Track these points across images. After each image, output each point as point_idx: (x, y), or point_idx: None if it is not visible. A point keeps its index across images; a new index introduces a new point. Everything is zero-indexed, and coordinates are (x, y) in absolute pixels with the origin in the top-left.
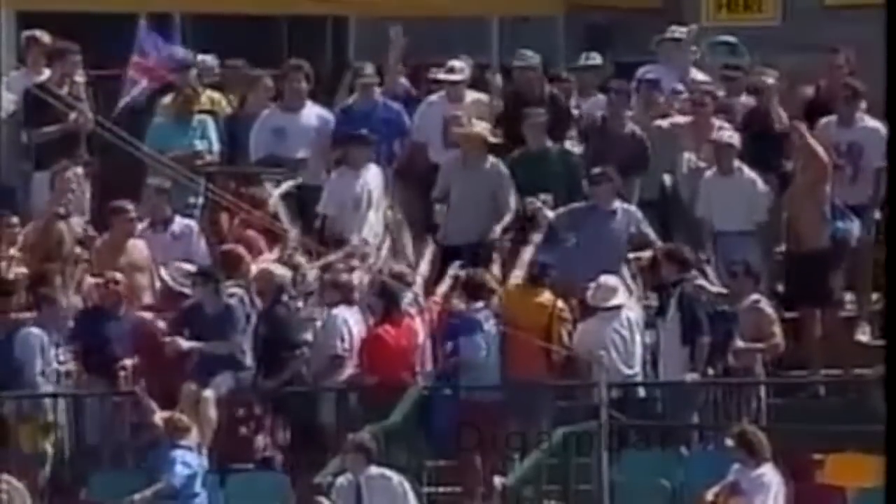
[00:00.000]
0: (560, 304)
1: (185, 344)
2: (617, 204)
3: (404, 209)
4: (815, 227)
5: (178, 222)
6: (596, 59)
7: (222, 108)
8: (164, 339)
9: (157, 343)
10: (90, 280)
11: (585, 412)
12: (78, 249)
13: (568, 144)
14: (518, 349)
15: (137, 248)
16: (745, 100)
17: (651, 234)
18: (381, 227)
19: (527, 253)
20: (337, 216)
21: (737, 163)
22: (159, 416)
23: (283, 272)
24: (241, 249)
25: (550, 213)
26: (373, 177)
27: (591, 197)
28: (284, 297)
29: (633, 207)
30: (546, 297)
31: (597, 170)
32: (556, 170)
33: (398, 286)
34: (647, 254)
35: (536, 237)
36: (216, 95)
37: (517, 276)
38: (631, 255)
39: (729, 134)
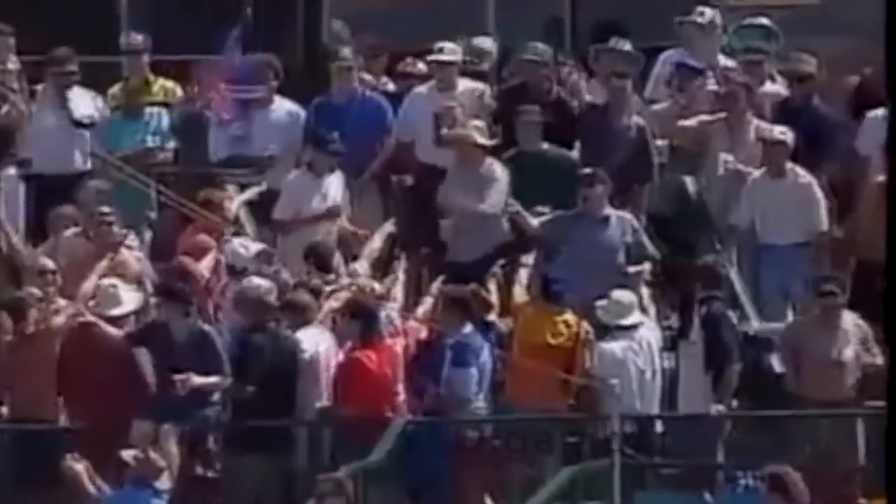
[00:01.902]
0: (585, 325)
1: (197, 380)
2: (609, 210)
3: (385, 218)
4: None
5: (119, 233)
6: (626, 45)
7: (177, 99)
8: (176, 377)
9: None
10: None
11: (595, 449)
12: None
13: (576, 153)
14: (523, 377)
15: (124, 257)
16: (770, 88)
17: (648, 244)
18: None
19: (524, 268)
20: (291, 223)
21: (789, 164)
22: (128, 454)
23: (267, 285)
24: (190, 264)
25: (535, 222)
26: (334, 185)
27: (580, 202)
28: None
29: (627, 214)
30: (568, 316)
31: (586, 170)
32: (555, 174)
33: (376, 305)
34: (647, 266)
35: (532, 250)
36: (169, 84)
37: (518, 294)
38: (631, 269)
39: (781, 130)
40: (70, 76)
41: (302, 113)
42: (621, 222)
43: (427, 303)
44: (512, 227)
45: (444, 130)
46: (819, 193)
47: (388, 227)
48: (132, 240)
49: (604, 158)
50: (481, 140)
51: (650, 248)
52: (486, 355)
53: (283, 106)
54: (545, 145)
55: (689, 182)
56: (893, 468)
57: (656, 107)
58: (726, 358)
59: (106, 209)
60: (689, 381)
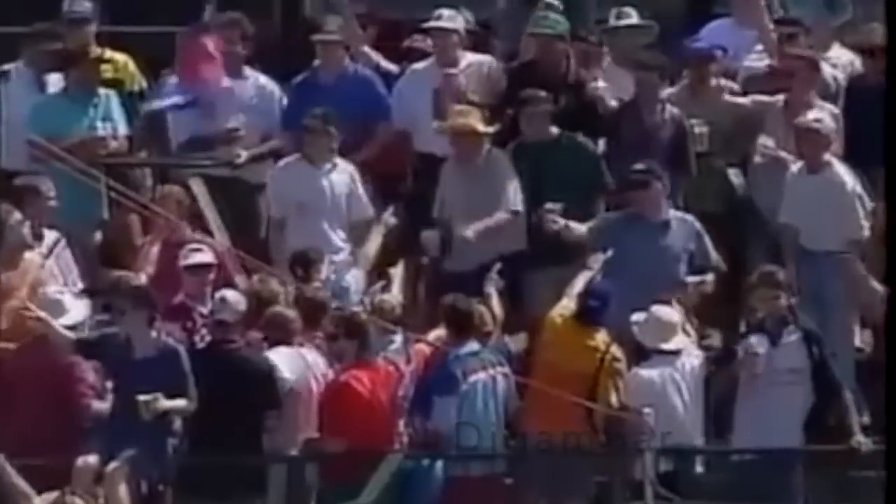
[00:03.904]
0: (615, 349)
1: (165, 403)
2: (670, 213)
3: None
4: None
5: (49, 236)
6: (631, 16)
7: (132, 77)
8: (141, 398)
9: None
10: None
11: (625, 490)
12: None
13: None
14: (541, 406)
15: (34, 264)
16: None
17: (713, 252)
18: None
19: (581, 280)
20: (284, 224)
21: (827, 156)
22: (39, 501)
23: (238, 299)
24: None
25: (581, 227)
26: (339, 176)
27: (635, 203)
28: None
29: (689, 217)
30: (600, 338)
31: (640, 166)
32: (568, 166)
33: (378, 323)
34: (710, 278)
35: (595, 259)
36: (121, 58)
37: (565, 307)
38: (690, 280)
39: (815, 117)
40: (51, 56)
41: (276, 89)
42: (683, 226)
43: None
44: (532, 234)
45: (436, 124)
46: (856, 193)
47: (388, 220)
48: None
49: (638, 158)
50: (482, 128)
51: (714, 256)
52: (480, 378)
53: (255, 79)
54: (555, 130)
55: (734, 175)
56: (893, 473)
57: (667, 91)
58: (839, 385)
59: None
60: (752, 411)
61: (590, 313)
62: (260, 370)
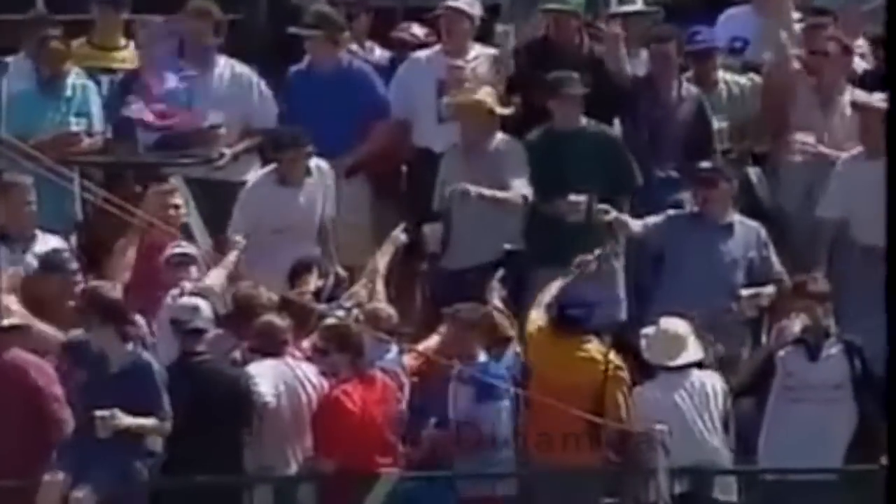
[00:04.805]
0: (613, 357)
1: (125, 420)
2: (734, 216)
3: (375, 219)
4: None
5: (44, 241)
6: (635, 1)
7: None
8: (99, 415)
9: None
10: None
11: None
12: None
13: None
14: (546, 420)
15: None
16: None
17: (777, 263)
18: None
19: (553, 288)
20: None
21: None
22: None
23: (204, 305)
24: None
25: (636, 225)
26: (315, 188)
27: (699, 202)
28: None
29: (754, 223)
30: (593, 348)
31: (707, 163)
32: (596, 158)
33: (372, 334)
34: (768, 290)
35: (578, 267)
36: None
37: (536, 316)
38: (745, 292)
39: (880, 97)
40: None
41: (254, 77)
42: (747, 232)
43: (434, 339)
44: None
45: (447, 99)
46: None
47: (398, 237)
48: None
49: (654, 140)
50: (497, 107)
51: (777, 267)
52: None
53: (228, 67)
54: (584, 121)
55: (753, 173)
56: (893, 476)
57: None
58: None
59: None
60: (786, 429)
61: (570, 322)
62: (233, 382)
